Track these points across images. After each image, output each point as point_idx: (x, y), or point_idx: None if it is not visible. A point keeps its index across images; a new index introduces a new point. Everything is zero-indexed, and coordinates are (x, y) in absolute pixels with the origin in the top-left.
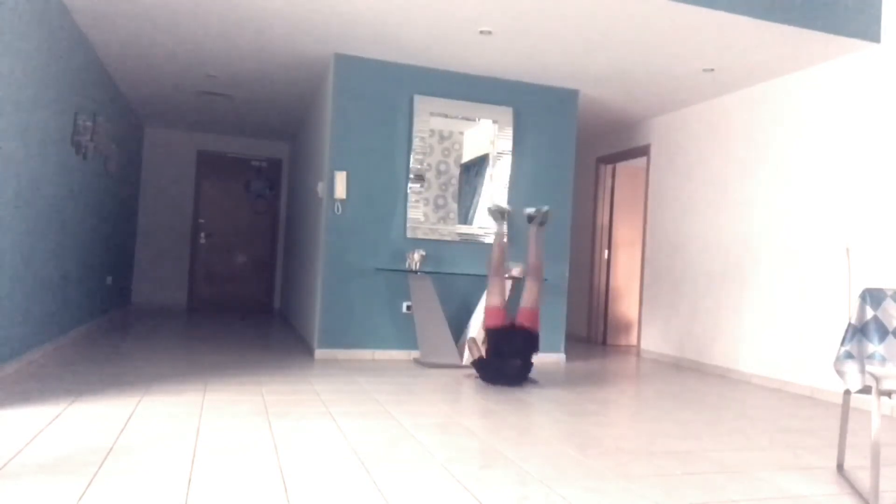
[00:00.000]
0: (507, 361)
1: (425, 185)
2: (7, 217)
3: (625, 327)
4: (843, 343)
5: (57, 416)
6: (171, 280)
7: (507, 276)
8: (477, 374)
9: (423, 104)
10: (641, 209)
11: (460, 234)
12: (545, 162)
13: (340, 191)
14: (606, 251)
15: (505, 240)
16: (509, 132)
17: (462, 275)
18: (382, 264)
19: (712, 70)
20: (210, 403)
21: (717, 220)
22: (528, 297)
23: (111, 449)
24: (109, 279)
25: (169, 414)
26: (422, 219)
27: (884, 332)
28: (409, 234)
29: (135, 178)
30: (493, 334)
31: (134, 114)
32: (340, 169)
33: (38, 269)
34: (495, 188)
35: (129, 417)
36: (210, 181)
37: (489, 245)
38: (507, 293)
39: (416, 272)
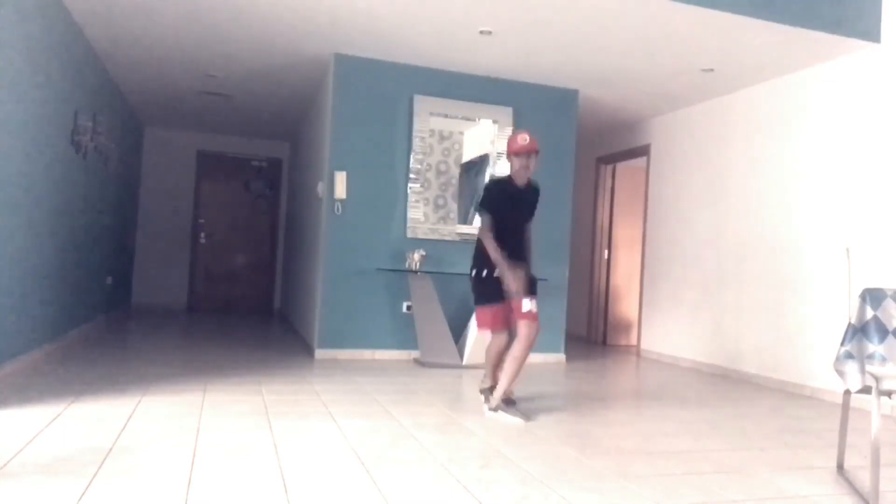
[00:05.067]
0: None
1: (424, 184)
2: (6, 216)
3: (625, 327)
4: (843, 343)
5: (57, 416)
6: (171, 280)
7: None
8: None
9: (423, 104)
10: (641, 209)
11: (460, 234)
12: (545, 162)
13: (340, 191)
14: (606, 251)
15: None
16: (509, 132)
17: (462, 275)
18: (382, 264)
19: (712, 70)
20: (210, 403)
21: (717, 220)
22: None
23: (111, 449)
24: (109, 279)
25: (169, 414)
26: (422, 219)
27: (884, 332)
28: (409, 234)
29: (135, 178)
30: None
31: (134, 114)
32: (340, 169)
33: (38, 269)
34: None
35: (129, 417)
36: (210, 181)
37: None
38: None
39: (416, 272)
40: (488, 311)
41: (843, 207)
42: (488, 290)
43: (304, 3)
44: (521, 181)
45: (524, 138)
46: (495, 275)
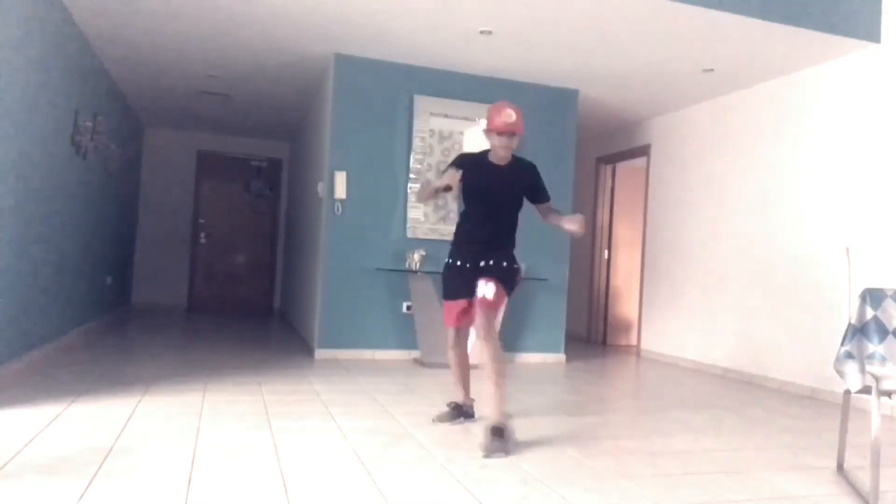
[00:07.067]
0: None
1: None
2: (6, 217)
3: (625, 327)
4: (843, 343)
5: (57, 416)
6: (171, 280)
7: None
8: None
9: (423, 104)
10: (641, 209)
11: None
12: (545, 162)
13: (340, 191)
14: (606, 251)
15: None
16: None
17: None
18: (382, 264)
19: (712, 70)
20: (210, 403)
21: (716, 220)
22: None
23: (111, 449)
24: (109, 279)
25: (169, 414)
26: (422, 219)
27: (884, 332)
28: (409, 234)
29: (135, 178)
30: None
31: (134, 114)
32: (340, 169)
33: (38, 269)
34: None
35: (129, 417)
36: (210, 181)
37: None
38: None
39: (416, 272)
40: (446, 306)
41: (844, 207)
42: (448, 285)
43: (304, 3)
44: (500, 161)
45: (509, 115)
46: (459, 263)
